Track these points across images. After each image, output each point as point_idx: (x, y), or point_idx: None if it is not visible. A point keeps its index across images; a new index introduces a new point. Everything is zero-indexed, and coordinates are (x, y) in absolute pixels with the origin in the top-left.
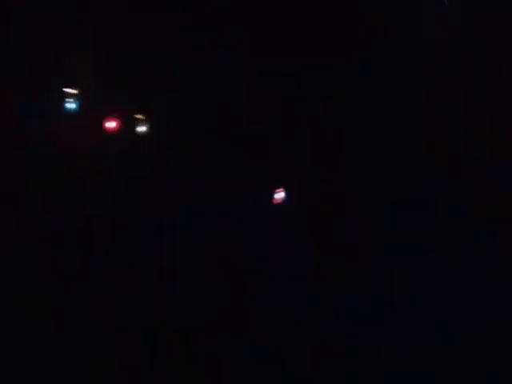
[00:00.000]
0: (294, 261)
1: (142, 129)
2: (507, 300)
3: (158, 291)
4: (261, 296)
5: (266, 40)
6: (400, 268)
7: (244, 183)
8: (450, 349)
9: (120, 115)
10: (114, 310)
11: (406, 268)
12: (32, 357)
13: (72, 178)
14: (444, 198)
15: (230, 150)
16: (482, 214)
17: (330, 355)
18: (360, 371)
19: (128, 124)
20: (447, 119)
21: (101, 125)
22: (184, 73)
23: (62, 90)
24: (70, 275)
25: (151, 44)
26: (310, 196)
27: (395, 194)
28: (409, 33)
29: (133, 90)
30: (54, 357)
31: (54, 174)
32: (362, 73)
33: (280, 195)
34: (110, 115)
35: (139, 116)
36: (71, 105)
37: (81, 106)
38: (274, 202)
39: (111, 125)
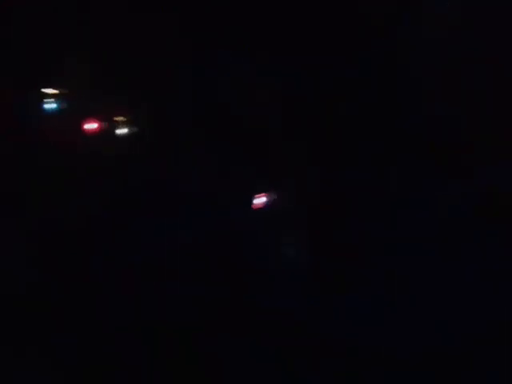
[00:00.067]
0: (294, 261)
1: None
2: (507, 300)
3: (158, 291)
4: (261, 296)
5: (266, 40)
6: (400, 268)
7: (244, 183)
8: (450, 349)
9: (120, 115)
10: (114, 310)
11: (405, 268)
12: (32, 357)
13: (72, 178)
14: (444, 197)
15: (229, 150)
16: (482, 214)
17: (330, 355)
18: (360, 371)
19: (128, 124)
20: (447, 119)
21: (101, 125)
22: (184, 73)
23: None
24: (69, 275)
25: (151, 44)
26: (309, 196)
27: (395, 194)
28: (409, 33)
29: (133, 90)
30: (53, 357)
31: (54, 173)
32: (362, 73)
33: (260, 200)
34: (109, 115)
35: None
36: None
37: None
38: (253, 207)
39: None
